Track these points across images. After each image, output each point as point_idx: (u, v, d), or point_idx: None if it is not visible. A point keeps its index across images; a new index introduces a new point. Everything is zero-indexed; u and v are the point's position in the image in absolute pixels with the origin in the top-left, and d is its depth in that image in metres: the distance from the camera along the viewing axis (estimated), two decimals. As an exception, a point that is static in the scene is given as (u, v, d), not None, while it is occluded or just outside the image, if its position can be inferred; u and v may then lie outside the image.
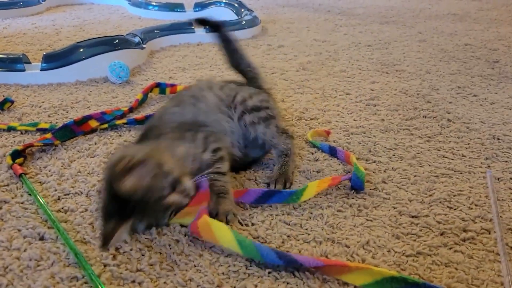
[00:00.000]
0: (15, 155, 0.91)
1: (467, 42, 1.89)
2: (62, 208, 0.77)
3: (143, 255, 0.67)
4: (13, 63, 1.34)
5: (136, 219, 0.68)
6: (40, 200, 0.78)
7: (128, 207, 0.66)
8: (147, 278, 0.63)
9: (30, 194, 0.81)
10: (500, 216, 0.77)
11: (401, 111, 1.21)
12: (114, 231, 0.65)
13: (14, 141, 1.00)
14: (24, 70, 1.34)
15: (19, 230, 0.72)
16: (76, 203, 0.79)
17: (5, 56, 1.37)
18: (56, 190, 0.82)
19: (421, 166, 0.94)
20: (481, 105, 1.26)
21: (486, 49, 1.80)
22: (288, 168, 0.88)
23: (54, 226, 0.72)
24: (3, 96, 1.21)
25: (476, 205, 0.81)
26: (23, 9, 2.27)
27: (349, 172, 0.90)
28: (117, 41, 1.49)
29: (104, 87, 1.34)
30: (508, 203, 0.82)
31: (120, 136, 1.04)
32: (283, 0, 2.88)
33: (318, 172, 0.91)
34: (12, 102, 1.17)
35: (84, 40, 1.45)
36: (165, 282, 0.63)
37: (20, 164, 0.89)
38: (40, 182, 0.85)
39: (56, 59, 1.36)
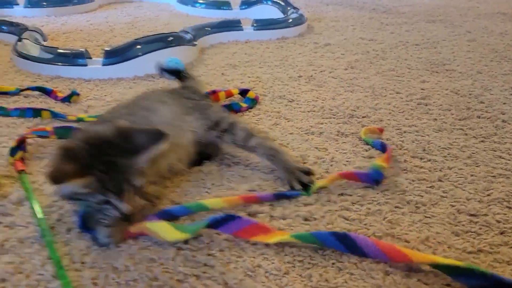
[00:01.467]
0: (13, 151, 0.92)
1: (519, 42, 1.86)
2: (134, 195, 0.83)
3: (212, 241, 0.71)
4: (76, 58, 1.42)
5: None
6: (33, 201, 0.79)
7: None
8: (218, 262, 0.67)
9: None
10: (561, 218, 0.78)
11: (454, 111, 1.21)
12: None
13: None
14: (86, 65, 1.41)
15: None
16: (145, 191, 0.84)
17: (69, 51, 1.45)
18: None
19: (477, 166, 0.94)
20: (536, 106, 1.24)
21: (539, 49, 1.76)
22: (289, 164, 0.88)
23: (40, 228, 0.73)
24: (69, 89, 1.29)
25: (536, 206, 0.81)
26: (77, 7, 2.37)
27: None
28: (171, 38, 1.54)
29: (160, 82, 1.39)
30: None
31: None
32: (327, -2, 2.89)
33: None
34: (78, 95, 1.24)
35: (142, 37, 1.51)
36: (235, 267, 0.66)
37: (22, 159, 0.91)
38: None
39: (116, 55, 1.43)
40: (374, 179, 0.86)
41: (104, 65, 1.42)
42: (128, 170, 0.69)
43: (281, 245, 0.71)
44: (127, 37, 1.90)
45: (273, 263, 0.67)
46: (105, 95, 1.28)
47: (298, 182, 0.85)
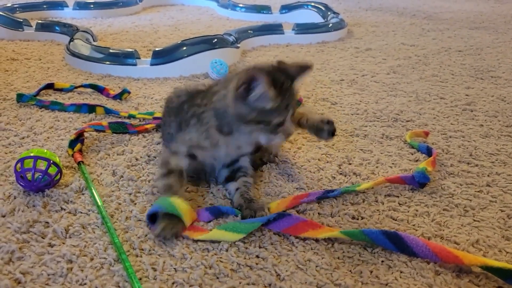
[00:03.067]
0: (72, 144, 0.97)
1: None
2: (186, 190, 0.86)
3: (263, 235, 0.74)
4: (127, 58, 1.47)
5: None
6: (93, 190, 0.83)
7: None
8: (270, 255, 0.69)
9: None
10: None
11: (501, 117, 1.20)
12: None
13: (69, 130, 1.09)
14: (135, 65, 1.46)
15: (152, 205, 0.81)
16: (197, 185, 0.87)
17: (120, 51, 1.51)
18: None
19: (526, 173, 0.94)
20: None
21: None
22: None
23: (102, 218, 0.76)
24: (119, 87, 1.34)
25: None
26: (123, 9, 2.45)
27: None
28: (215, 40, 1.58)
29: (205, 82, 1.43)
30: None
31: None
32: (366, 3, 2.89)
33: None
34: (129, 93, 1.29)
35: (187, 39, 1.56)
36: (286, 260, 0.68)
37: (80, 151, 0.96)
38: (158, 165, 0.94)
39: (163, 56, 1.48)
40: (419, 181, 0.86)
41: (152, 65, 1.47)
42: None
43: (330, 241, 0.72)
44: (170, 38, 1.96)
45: (323, 258, 0.69)
46: (153, 94, 1.33)
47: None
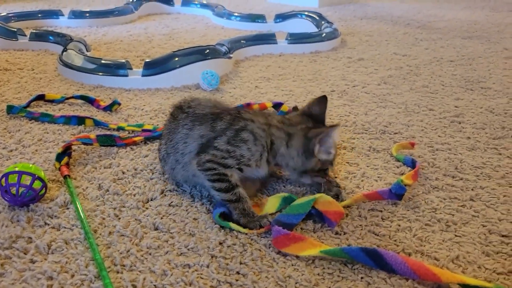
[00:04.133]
0: (59, 157, 0.97)
1: (559, 60, 1.82)
2: (171, 203, 0.86)
3: (245, 250, 0.74)
4: (118, 68, 1.48)
5: None
6: (78, 204, 0.83)
7: None
8: (250, 271, 0.70)
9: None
10: None
11: (488, 129, 1.21)
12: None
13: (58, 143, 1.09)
14: (127, 76, 1.47)
15: (136, 219, 0.81)
16: (182, 199, 0.88)
17: (111, 62, 1.52)
18: (161, 186, 0.92)
19: (510, 187, 0.94)
20: None
21: None
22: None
23: (85, 233, 0.76)
24: (110, 98, 1.35)
25: None
26: (118, 18, 2.47)
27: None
28: (207, 51, 1.59)
29: (197, 93, 1.44)
30: None
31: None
32: (361, 12, 2.90)
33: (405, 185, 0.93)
34: (119, 104, 1.30)
35: (179, 50, 1.57)
36: (266, 277, 0.69)
37: (67, 164, 0.96)
38: (145, 179, 0.95)
39: (155, 66, 1.49)
40: (396, 194, 0.87)
41: (143, 76, 1.47)
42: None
43: (311, 257, 0.73)
44: (165, 48, 1.97)
45: (303, 274, 0.69)
46: (144, 105, 1.33)
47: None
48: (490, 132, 1.19)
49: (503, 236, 0.79)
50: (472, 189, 0.93)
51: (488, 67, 1.75)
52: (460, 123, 1.25)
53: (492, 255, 0.74)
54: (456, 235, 0.79)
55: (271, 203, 0.87)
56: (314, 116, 0.91)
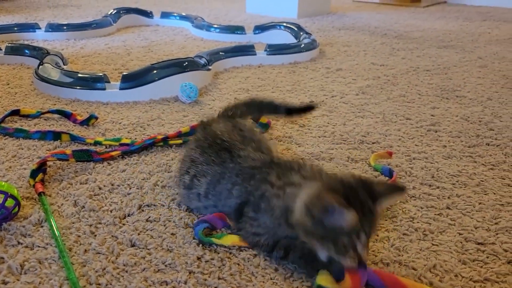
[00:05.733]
0: (34, 174, 0.95)
1: (530, 68, 1.87)
2: (148, 219, 0.85)
3: (224, 265, 0.73)
4: (95, 82, 1.47)
5: None
6: (52, 222, 0.81)
7: None
8: (228, 286, 0.69)
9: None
10: None
11: (463, 138, 1.23)
12: None
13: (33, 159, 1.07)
14: (104, 89, 1.46)
15: (113, 236, 0.80)
16: (159, 214, 0.87)
17: (88, 75, 1.50)
18: (138, 201, 0.91)
19: (485, 194, 0.96)
20: (546, 134, 1.25)
21: (550, 76, 1.77)
22: None
23: (59, 252, 0.74)
24: (87, 112, 1.33)
25: (544, 236, 0.82)
26: (96, 30, 2.45)
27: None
28: (186, 63, 1.59)
29: (175, 106, 1.43)
30: None
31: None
32: (339, 22, 2.94)
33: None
34: (96, 118, 1.28)
35: (158, 62, 1.56)
36: (245, 292, 0.68)
37: (42, 181, 0.94)
38: (122, 194, 0.94)
39: (133, 79, 1.47)
40: None
41: (121, 89, 1.46)
42: (374, 217, 0.67)
43: (290, 270, 0.73)
44: (143, 60, 1.96)
45: (282, 288, 0.69)
46: (121, 119, 1.32)
47: None
48: (465, 140, 1.21)
49: (479, 243, 0.80)
50: (448, 197, 0.94)
51: (463, 75, 1.79)
52: (436, 131, 1.27)
53: (469, 263, 0.75)
54: (433, 244, 0.80)
55: None
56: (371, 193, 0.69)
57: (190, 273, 0.72)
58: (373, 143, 1.20)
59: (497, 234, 0.82)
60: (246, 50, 1.95)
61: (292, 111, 1.06)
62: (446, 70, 1.87)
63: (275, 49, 1.97)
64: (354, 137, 1.23)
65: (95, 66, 1.86)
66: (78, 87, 1.47)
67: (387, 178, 1.01)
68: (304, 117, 1.36)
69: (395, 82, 1.71)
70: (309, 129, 1.28)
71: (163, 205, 0.90)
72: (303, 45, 2.05)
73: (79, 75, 1.51)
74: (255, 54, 1.95)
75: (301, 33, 2.22)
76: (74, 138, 1.16)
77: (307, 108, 1.08)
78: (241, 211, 0.79)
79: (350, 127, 1.29)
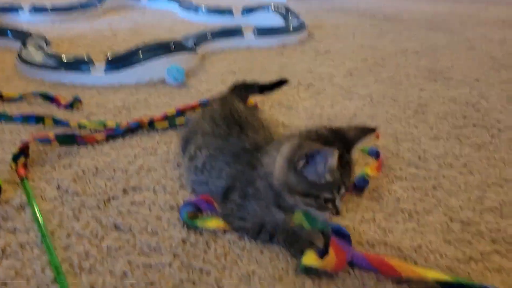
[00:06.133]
0: (16, 157, 0.93)
1: (518, 50, 1.87)
2: (133, 202, 0.84)
3: (209, 248, 0.73)
4: (80, 65, 1.44)
5: None
6: (34, 206, 0.80)
7: None
8: (213, 268, 0.69)
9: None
10: (553, 227, 0.79)
11: (450, 119, 1.23)
12: None
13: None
14: (89, 72, 1.43)
15: (96, 220, 0.79)
16: (144, 197, 0.86)
17: (73, 58, 1.47)
18: (123, 184, 0.90)
19: (471, 175, 0.96)
20: (532, 115, 1.26)
21: (538, 57, 1.77)
22: None
23: (41, 236, 0.73)
24: (71, 96, 1.31)
25: (527, 215, 0.82)
26: (82, 13, 2.40)
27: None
28: (173, 45, 1.56)
29: (162, 89, 1.41)
30: (561, 215, 0.83)
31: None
32: (328, 4, 2.91)
33: (369, 177, 0.94)
34: (80, 101, 1.26)
35: (143, 44, 1.53)
36: (230, 274, 0.68)
37: (24, 165, 0.93)
38: (106, 178, 0.92)
39: (118, 62, 1.45)
40: (359, 186, 0.87)
41: (106, 71, 1.44)
42: (351, 168, 0.71)
43: (275, 252, 0.72)
44: (130, 42, 1.92)
45: (267, 270, 0.69)
46: (107, 102, 1.30)
47: None
48: (452, 121, 1.21)
49: (464, 224, 0.80)
50: (434, 178, 0.94)
51: (451, 57, 1.79)
52: (423, 113, 1.27)
53: (453, 243, 0.75)
54: (418, 225, 0.80)
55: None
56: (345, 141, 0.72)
57: (174, 256, 0.71)
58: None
59: (482, 214, 0.83)
60: (233, 32, 1.92)
61: (264, 88, 1.15)
62: (434, 52, 1.86)
63: (263, 32, 1.95)
64: (341, 119, 1.22)
65: (80, 49, 1.83)
66: (62, 70, 1.44)
67: (374, 159, 1.01)
68: (291, 100, 1.35)
69: (384, 64, 1.70)
70: (296, 111, 1.27)
71: (148, 189, 0.89)
72: (291, 27, 2.03)
73: (63, 57, 1.48)
74: (243, 37, 1.92)
75: (290, 15, 2.20)
76: (57, 122, 1.13)
77: (278, 83, 1.17)
78: (227, 196, 0.79)
79: (338, 109, 1.29)
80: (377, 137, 1.09)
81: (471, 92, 1.42)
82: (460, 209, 0.84)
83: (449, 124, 1.20)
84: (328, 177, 0.67)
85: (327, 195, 0.68)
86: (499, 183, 0.93)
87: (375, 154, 1.01)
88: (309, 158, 0.66)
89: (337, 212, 0.70)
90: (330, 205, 0.69)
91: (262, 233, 0.74)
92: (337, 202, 0.69)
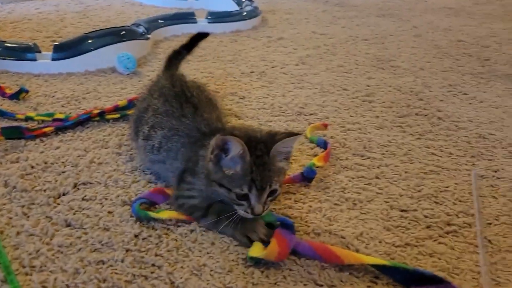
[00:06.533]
0: None
1: (461, 38, 1.96)
2: (84, 197, 0.84)
3: (161, 242, 0.75)
4: (25, 52, 1.39)
5: None
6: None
7: None
8: (165, 262, 0.71)
9: None
10: (481, 212, 0.86)
11: (395, 108, 1.29)
12: None
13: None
14: (35, 60, 1.39)
15: (47, 217, 0.79)
16: (96, 192, 0.86)
17: (17, 45, 1.42)
18: (73, 179, 0.89)
19: (411, 163, 1.02)
20: (470, 103, 1.34)
21: (478, 46, 1.87)
22: None
23: None
24: (17, 85, 1.27)
25: (460, 201, 0.89)
26: (26, -7, 2.29)
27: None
28: (123, 32, 1.54)
29: (113, 77, 1.39)
30: (489, 200, 0.90)
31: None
32: (282, -12, 2.92)
33: (317, 167, 0.98)
34: (27, 91, 1.22)
35: (93, 31, 1.50)
36: (181, 267, 0.70)
37: None
38: (56, 172, 0.92)
39: (66, 50, 1.41)
40: (307, 177, 0.91)
41: (53, 60, 1.40)
42: (267, 169, 0.72)
43: (226, 243, 0.75)
44: (78, 27, 1.87)
45: (218, 261, 0.71)
46: (55, 92, 1.27)
47: None
48: (396, 110, 1.28)
49: (402, 210, 0.86)
50: (378, 167, 1.00)
51: (398, 45, 1.85)
52: (370, 102, 1.32)
53: (392, 230, 0.81)
54: (361, 213, 0.85)
55: None
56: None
57: (127, 251, 0.72)
58: (310, 114, 1.23)
59: (419, 201, 0.89)
60: (186, 17, 1.90)
61: (190, 46, 1.21)
62: (383, 40, 1.92)
63: (217, 17, 1.94)
64: (292, 108, 1.25)
65: (25, 34, 1.76)
66: (6, 58, 1.39)
67: (322, 149, 1.05)
68: (244, 89, 1.36)
69: (334, 51, 1.75)
70: (249, 101, 1.29)
71: (100, 183, 0.89)
72: (245, 12, 2.03)
73: (7, 44, 1.42)
74: (196, 22, 1.90)
75: (243, 0, 2.19)
76: (2, 114, 1.10)
77: (200, 37, 1.22)
78: (182, 178, 0.81)
79: (289, 99, 1.32)
80: (326, 127, 1.13)
81: (415, 81, 1.49)
82: (400, 197, 0.90)
83: (394, 113, 1.25)
84: (238, 170, 0.71)
85: (237, 190, 0.72)
86: (436, 170, 0.99)
87: (323, 144, 1.05)
88: (223, 147, 0.72)
89: (252, 212, 0.72)
90: (245, 203, 0.72)
91: (210, 214, 0.77)
92: (253, 201, 0.72)
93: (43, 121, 1.10)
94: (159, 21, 1.81)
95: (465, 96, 1.38)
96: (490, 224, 0.83)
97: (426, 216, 0.84)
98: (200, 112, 0.88)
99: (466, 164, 1.02)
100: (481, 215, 0.85)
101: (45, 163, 0.94)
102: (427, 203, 0.88)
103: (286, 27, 2.05)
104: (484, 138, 1.14)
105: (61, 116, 1.11)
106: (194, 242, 0.75)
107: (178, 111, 0.89)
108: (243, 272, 0.70)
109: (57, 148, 1.00)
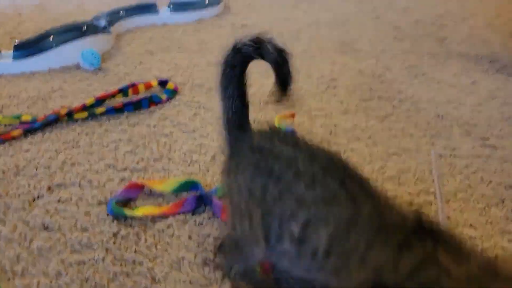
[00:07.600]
0: None
1: (419, 18, 2.03)
2: (59, 199, 0.85)
3: (139, 239, 0.77)
4: (-16, 52, 1.36)
5: None
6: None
7: None
8: (145, 258, 0.73)
9: None
10: (441, 190, 0.92)
11: (359, 92, 1.34)
12: None
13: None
14: (-5, 60, 1.36)
15: (24, 222, 0.80)
16: (71, 193, 0.87)
17: (-25, 45, 1.39)
18: (47, 182, 0.90)
19: (375, 146, 1.07)
20: (429, 84, 1.40)
21: (435, 25, 1.94)
22: None
23: None
24: (-21, 87, 1.24)
25: (420, 181, 0.95)
26: (-22, -13, 2.21)
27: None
28: (85, 27, 1.52)
29: (78, 74, 1.38)
30: (448, 178, 0.96)
31: (101, 125, 1.11)
32: (243, -27, 2.91)
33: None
34: (-10, 94, 1.21)
35: (54, 27, 1.47)
36: (161, 261, 0.73)
37: None
38: (28, 176, 0.92)
39: (28, 47, 1.39)
40: None
41: (15, 58, 1.37)
42: None
43: (203, 237, 0.78)
44: (38, 22, 1.83)
45: (196, 254, 0.75)
46: (19, 92, 1.25)
47: None
48: (360, 94, 1.32)
49: (368, 193, 0.91)
50: (344, 152, 1.04)
51: (360, 28, 1.90)
52: (335, 87, 1.36)
53: (359, 212, 0.86)
54: (330, 197, 0.89)
55: (169, 183, 0.88)
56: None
57: (107, 250, 0.75)
58: (277, 103, 1.26)
59: (383, 183, 0.94)
60: (148, 8, 1.88)
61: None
62: (345, 23, 1.96)
63: (179, 7, 1.93)
64: (259, 98, 1.28)
65: (-18, 31, 1.71)
66: (-36, 59, 1.36)
67: (290, 137, 1.09)
68: (211, 80, 1.38)
69: (298, 37, 1.78)
70: (216, 92, 1.31)
71: (74, 184, 0.90)
72: (207, 1, 2.03)
73: (-36, 45, 1.38)
74: (158, 12, 1.89)
75: (205, -13, 2.18)
76: (-33, 119, 1.09)
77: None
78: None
79: (255, 89, 1.34)
80: (293, 116, 1.17)
81: (377, 64, 1.54)
82: (365, 180, 0.94)
83: (358, 97, 1.30)
84: None
85: None
86: (398, 152, 1.05)
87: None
88: None
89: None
90: None
91: None
92: None
93: (9, 124, 1.09)
94: (121, 12, 1.79)
95: (424, 77, 1.45)
96: (448, 201, 0.89)
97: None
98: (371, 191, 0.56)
99: (426, 144, 1.08)
100: (441, 193, 0.91)
101: (17, 167, 0.94)
102: (390, 184, 0.94)
103: (249, 14, 2.06)
104: (442, 118, 1.20)
105: (28, 117, 1.10)
106: (172, 237, 0.78)
107: (345, 196, 0.54)
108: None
109: (28, 150, 1.00)
